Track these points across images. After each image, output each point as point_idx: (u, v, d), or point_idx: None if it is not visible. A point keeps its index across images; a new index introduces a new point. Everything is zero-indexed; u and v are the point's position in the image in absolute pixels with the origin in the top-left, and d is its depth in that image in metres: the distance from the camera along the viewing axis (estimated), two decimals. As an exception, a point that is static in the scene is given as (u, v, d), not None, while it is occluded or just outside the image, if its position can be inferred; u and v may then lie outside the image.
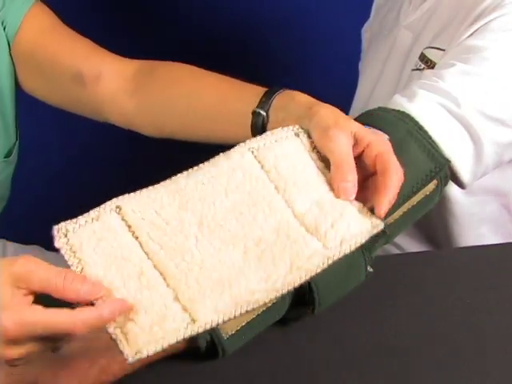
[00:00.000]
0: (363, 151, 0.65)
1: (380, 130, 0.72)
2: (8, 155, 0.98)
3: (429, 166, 0.72)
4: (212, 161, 0.65)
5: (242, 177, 0.64)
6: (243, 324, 0.66)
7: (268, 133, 0.68)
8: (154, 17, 1.63)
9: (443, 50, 0.90)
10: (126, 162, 1.70)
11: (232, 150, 0.66)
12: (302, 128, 0.67)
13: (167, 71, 0.90)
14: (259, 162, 0.65)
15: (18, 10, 0.92)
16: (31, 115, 1.10)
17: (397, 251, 1.05)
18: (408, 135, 0.72)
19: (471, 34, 0.83)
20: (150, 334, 0.55)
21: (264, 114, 0.75)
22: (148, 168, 1.69)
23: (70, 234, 0.58)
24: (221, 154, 0.65)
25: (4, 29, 0.92)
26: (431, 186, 0.73)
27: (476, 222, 0.99)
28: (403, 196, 0.71)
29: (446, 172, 0.74)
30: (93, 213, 0.60)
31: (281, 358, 0.69)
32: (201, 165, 0.64)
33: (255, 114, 0.75)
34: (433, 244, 1.04)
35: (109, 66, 0.91)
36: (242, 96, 0.80)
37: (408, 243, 1.05)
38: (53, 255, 1.15)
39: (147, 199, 0.61)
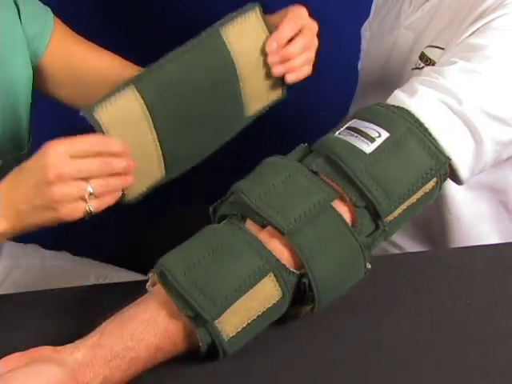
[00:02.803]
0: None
1: (380, 126, 0.72)
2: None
3: (429, 163, 0.72)
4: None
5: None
6: (244, 325, 0.66)
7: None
8: (154, 16, 1.63)
9: (443, 49, 0.90)
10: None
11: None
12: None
13: None
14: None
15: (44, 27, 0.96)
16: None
17: (397, 251, 1.05)
18: (408, 132, 0.72)
19: (472, 33, 0.83)
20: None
21: None
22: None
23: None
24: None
25: (28, 45, 0.95)
26: (431, 183, 0.73)
27: (474, 219, 0.99)
28: (403, 195, 0.71)
29: (445, 169, 0.74)
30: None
31: (281, 357, 0.69)
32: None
33: None
34: (432, 243, 1.04)
35: None
36: None
37: (408, 243, 1.05)
38: (51, 254, 1.15)
39: None
